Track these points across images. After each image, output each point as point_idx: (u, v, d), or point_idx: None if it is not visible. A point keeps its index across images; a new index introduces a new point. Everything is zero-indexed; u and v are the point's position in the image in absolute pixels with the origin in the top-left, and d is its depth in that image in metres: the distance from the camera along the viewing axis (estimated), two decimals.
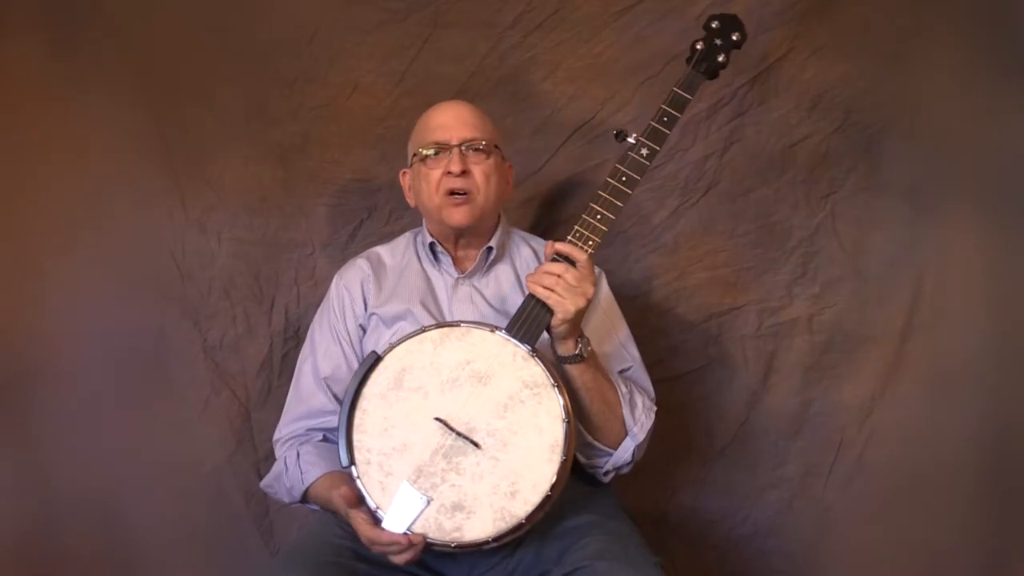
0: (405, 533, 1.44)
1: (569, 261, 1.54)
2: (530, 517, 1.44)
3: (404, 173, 1.80)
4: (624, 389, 1.65)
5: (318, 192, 2.09)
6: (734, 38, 1.70)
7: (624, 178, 1.60)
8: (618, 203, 1.58)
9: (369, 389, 1.50)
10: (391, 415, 1.48)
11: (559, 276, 1.51)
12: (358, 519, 1.48)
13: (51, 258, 2.04)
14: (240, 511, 2.08)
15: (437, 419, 1.47)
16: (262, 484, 1.78)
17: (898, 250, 2.09)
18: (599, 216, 1.58)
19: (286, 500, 1.72)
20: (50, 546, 2.05)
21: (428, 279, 1.77)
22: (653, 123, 1.63)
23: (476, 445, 1.46)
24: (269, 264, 2.09)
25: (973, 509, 2.08)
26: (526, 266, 1.79)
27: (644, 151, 1.61)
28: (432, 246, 1.77)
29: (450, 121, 1.71)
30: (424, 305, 1.72)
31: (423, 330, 1.52)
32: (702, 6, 2.05)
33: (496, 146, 1.74)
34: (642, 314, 2.07)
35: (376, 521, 1.46)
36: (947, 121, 2.07)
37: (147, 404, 2.06)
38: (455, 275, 1.76)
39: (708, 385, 2.12)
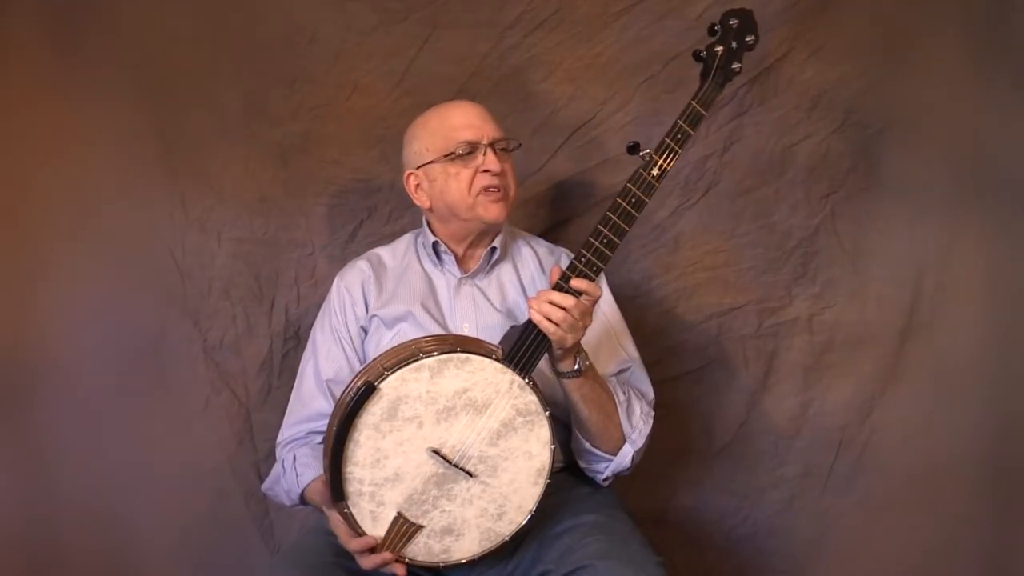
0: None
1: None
2: (514, 535, 1.50)
3: (410, 175, 1.76)
4: (622, 396, 1.66)
5: (318, 192, 2.08)
6: (748, 40, 1.62)
7: (633, 200, 1.51)
8: (625, 226, 1.51)
9: (362, 420, 1.42)
10: (384, 446, 1.43)
11: (566, 311, 1.47)
12: (338, 522, 1.49)
13: (51, 258, 2.04)
14: (240, 511, 2.08)
15: (432, 450, 1.45)
16: (263, 488, 1.78)
17: (898, 250, 2.09)
18: (606, 240, 1.50)
19: (286, 503, 1.73)
20: (50, 545, 2.05)
21: (429, 280, 1.77)
22: (667, 139, 1.53)
23: (469, 474, 1.46)
24: (269, 264, 2.08)
25: (973, 508, 2.08)
26: (527, 266, 1.80)
27: (655, 171, 1.52)
28: (435, 245, 1.77)
29: (476, 121, 1.70)
30: (425, 306, 1.72)
31: (421, 356, 1.43)
32: (702, 6, 2.05)
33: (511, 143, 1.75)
34: (642, 314, 2.07)
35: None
36: (947, 121, 2.08)
37: (147, 404, 2.06)
38: (458, 275, 1.76)
39: (708, 385, 2.12)
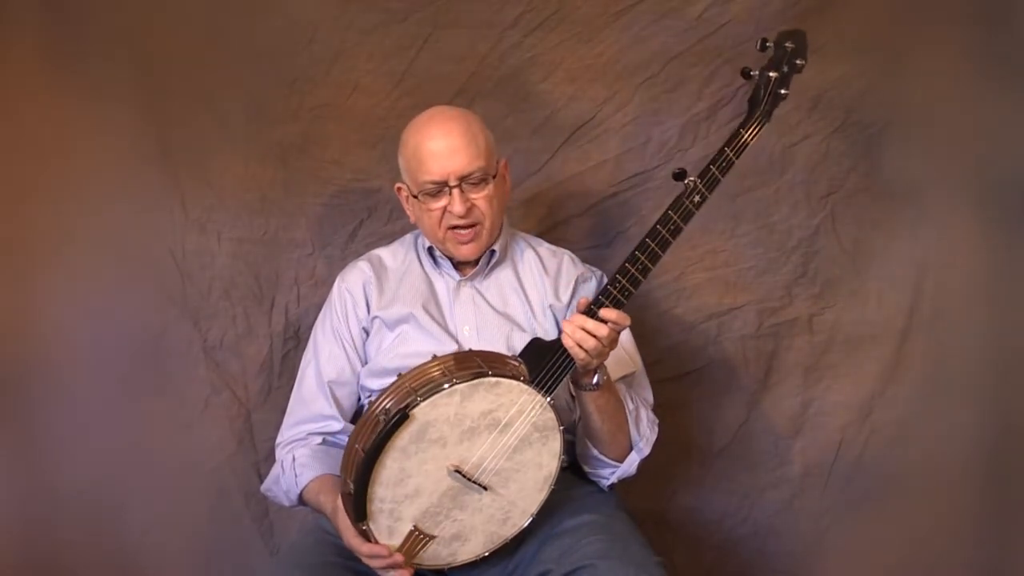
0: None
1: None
2: (516, 537, 1.54)
3: (400, 188, 1.76)
4: (631, 405, 1.66)
5: (318, 192, 2.08)
6: (798, 63, 1.56)
7: (672, 226, 1.50)
8: (661, 252, 1.50)
9: (391, 443, 1.41)
10: (408, 466, 1.43)
11: (598, 340, 1.47)
12: (345, 524, 1.48)
13: (51, 258, 2.03)
14: (240, 511, 2.08)
15: (452, 467, 1.45)
16: (262, 488, 1.78)
17: (898, 250, 2.09)
18: (641, 266, 1.50)
19: (285, 503, 1.73)
20: (49, 546, 2.04)
21: (430, 282, 1.77)
22: (713, 168, 1.51)
23: (484, 488, 1.47)
24: (269, 264, 2.08)
25: (973, 508, 2.09)
26: (527, 269, 1.79)
27: (696, 198, 1.51)
28: (431, 250, 1.77)
29: (444, 155, 1.63)
30: (426, 308, 1.72)
31: (455, 381, 1.41)
32: (702, 6, 2.05)
33: (492, 164, 1.69)
34: (642, 314, 2.07)
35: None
36: (947, 121, 2.08)
37: (147, 404, 2.06)
38: (457, 278, 1.76)
39: (708, 385, 2.12)
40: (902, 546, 2.10)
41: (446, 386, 1.40)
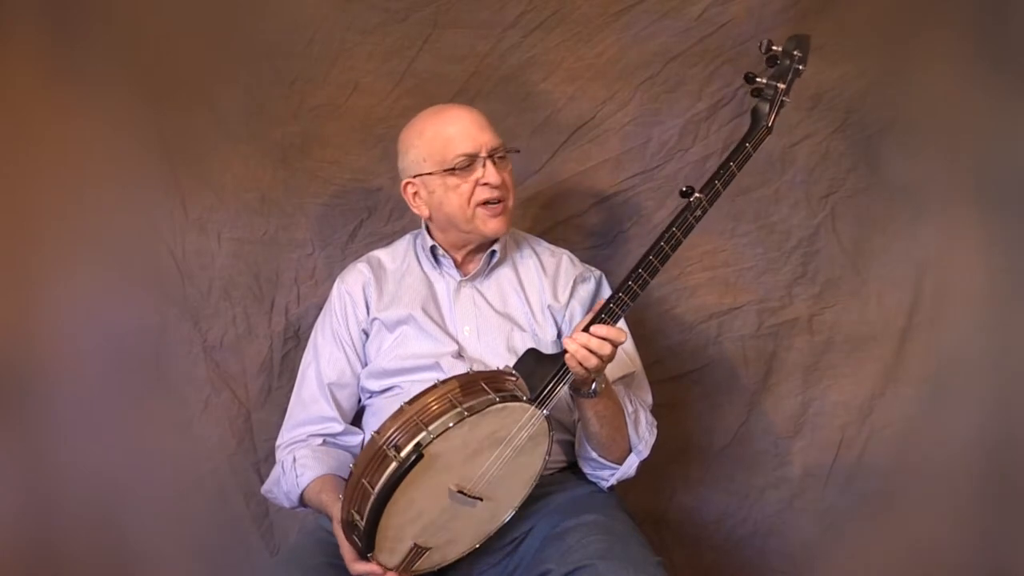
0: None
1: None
2: (500, 529, 1.56)
3: (407, 184, 1.74)
4: (630, 408, 1.66)
5: (318, 192, 2.08)
6: (800, 68, 1.56)
7: (674, 241, 1.52)
8: (660, 266, 1.51)
9: (404, 480, 1.40)
10: (415, 495, 1.43)
11: (600, 359, 1.47)
12: (343, 540, 1.49)
13: (51, 258, 2.03)
14: (240, 512, 2.09)
15: (455, 487, 1.46)
16: (263, 490, 1.78)
17: (898, 250, 2.09)
18: (642, 281, 1.50)
19: (286, 504, 1.73)
20: (50, 545, 2.05)
21: (430, 283, 1.77)
22: (717, 183, 1.52)
23: (480, 499, 1.48)
24: (269, 264, 2.08)
25: (973, 508, 2.09)
26: (527, 268, 1.80)
27: (699, 212, 1.52)
28: (433, 249, 1.76)
29: (473, 130, 1.66)
30: (425, 310, 1.72)
31: (466, 414, 1.39)
32: (702, 6, 2.05)
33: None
34: (642, 314, 2.07)
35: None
36: (947, 121, 2.08)
37: (147, 404, 2.06)
38: (458, 278, 1.76)
39: (708, 385, 2.12)
40: (901, 546, 2.10)
41: (452, 423, 1.39)
